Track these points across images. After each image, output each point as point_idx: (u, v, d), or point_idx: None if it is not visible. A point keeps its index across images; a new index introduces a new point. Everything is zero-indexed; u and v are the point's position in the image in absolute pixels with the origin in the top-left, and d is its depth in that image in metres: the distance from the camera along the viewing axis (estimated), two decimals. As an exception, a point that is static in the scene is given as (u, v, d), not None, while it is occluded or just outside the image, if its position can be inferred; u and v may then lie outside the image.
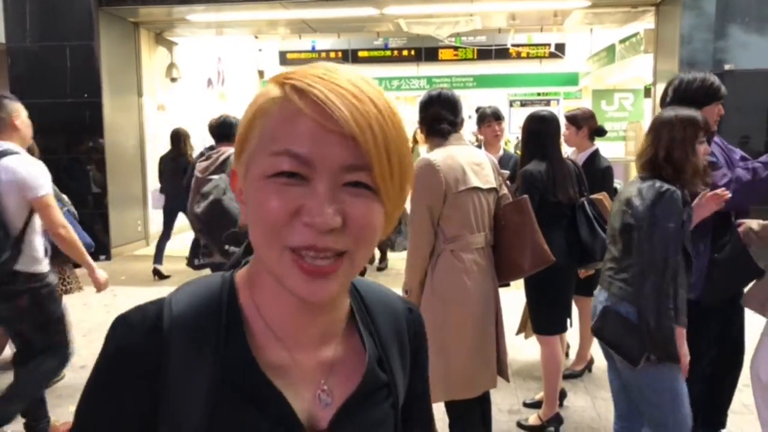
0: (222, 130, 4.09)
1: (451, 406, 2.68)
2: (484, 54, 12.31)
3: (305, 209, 0.62)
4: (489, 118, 4.27)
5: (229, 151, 3.95)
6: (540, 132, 3.23)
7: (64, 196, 3.85)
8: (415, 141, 6.33)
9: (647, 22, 7.84)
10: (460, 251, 2.53)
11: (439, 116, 2.61)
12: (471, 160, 2.58)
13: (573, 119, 3.81)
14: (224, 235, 3.57)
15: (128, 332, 0.70)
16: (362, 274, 2.80)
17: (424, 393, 0.89)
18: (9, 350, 4.16)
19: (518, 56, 12.29)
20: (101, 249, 6.98)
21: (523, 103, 13.36)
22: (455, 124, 2.64)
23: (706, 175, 2.32)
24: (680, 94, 2.74)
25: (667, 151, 2.25)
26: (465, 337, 2.51)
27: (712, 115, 2.69)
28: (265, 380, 0.69)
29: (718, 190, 2.38)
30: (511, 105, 13.71)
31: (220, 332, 0.70)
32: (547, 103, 13.04)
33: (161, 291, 4.36)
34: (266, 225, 0.64)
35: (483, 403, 2.72)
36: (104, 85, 7.32)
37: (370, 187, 0.64)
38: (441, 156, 2.52)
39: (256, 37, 10.30)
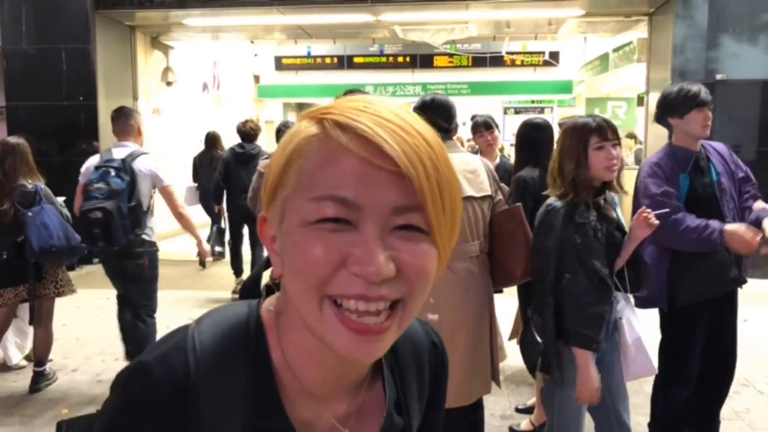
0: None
1: None
2: (479, 61, 12.39)
3: (353, 258, 0.56)
4: (480, 128, 4.30)
5: None
6: (534, 139, 3.26)
7: (58, 199, 3.86)
8: None
9: (640, 31, 7.91)
10: (454, 260, 2.50)
11: (432, 123, 2.57)
12: (464, 168, 2.56)
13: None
14: None
15: (150, 392, 0.62)
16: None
17: (438, 419, 0.84)
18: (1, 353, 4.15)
19: (513, 64, 12.38)
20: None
21: (518, 111, 13.42)
22: (449, 131, 2.62)
23: (611, 183, 2.25)
24: (663, 106, 2.79)
25: (558, 163, 2.27)
26: (458, 345, 2.51)
27: (696, 123, 2.70)
28: None
29: (646, 213, 2.26)
30: (505, 112, 13.76)
31: (250, 383, 0.64)
32: (541, 110, 13.11)
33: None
34: (308, 276, 0.57)
35: (476, 409, 2.72)
36: (100, 88, 7.32)
37: (423, 229, 0.58)
38: None
39: (252, 42, 10.33)
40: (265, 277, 0.76)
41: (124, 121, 3.71)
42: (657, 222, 2.24)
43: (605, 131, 2.19)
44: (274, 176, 0.62)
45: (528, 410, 3.52)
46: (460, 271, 2.51)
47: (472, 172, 2.57)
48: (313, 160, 0.58)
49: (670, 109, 2.75)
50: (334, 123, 0.58)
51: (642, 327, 2.33)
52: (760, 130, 6.41)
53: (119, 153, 3.61)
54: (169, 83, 9.16)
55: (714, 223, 2.57)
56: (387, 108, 0.59)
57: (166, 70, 9.11)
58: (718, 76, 6.23)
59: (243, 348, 0.65)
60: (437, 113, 2.58)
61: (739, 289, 2.82)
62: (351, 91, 2.65)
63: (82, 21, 7.17)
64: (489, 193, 2.61)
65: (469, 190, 2.53)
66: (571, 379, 2.23)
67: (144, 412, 0.62)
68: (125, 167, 3.52)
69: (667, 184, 2.67)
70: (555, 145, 2.41)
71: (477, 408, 2.73)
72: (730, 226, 2.59)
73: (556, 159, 2.30)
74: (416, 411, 0.77)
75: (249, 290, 0.76)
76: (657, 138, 6.54)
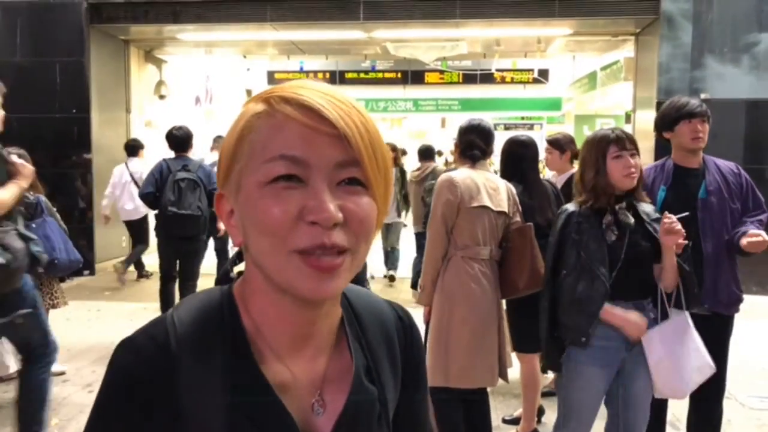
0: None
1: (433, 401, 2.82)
2: (470, 78, 12.53)
3: (308, 209, 0.63)
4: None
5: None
6: (520, 156, 3.36)
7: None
8: (395, 163, 6.45)
9: (627, 50, 8.07)
10: (469, 259, 2.84)
11: (473, 143, 2.96)
12: (488, 184, 2.92)
13: (557, 143, 3.94)
14: None
15: (136, 357, 0.68)
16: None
17: (420, 404, 0.87)
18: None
19: (503, 81, 12.52)
20: (85, 264, 6.96)
21: (507, 127, 13.57)
22: (486, 153, 3.00)
23: (633, 191, 2.33)
24: (658, 122, 2.89)
25: (580, 173, 2.40)
26: (466, 332, 2.79)
27: (684, 135, 2.76)
28: (276, 400, 0.70)
29: (668, 219, 2.27)
30: (495, 128, 13.92)
31: (227, 351, 0.69)
32: (531, 127, 13.26)
33: (145, 307, 4.41)
34: (270, 232, 0.64)
35: (483, 396, 2.99)
36: (93, 101, 7.37)
37: (362, 183, 0.67)
38: (462, 175, 2.87)
39: (245, 57, 10.41)
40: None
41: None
42: (680, 228, 2.25)
43: (623, 141, 2.32)
44: (227, 153, 0.70)
45: (514, 421, 3.56)
46: (476, 269, 2.84)
47: (494, 189, 2.93)
48: (263, 132, 0.66)
49: (662, 123, 2.82)
50: (279, 98, 0.67)
51: (682, 346, 2.29)
52: (744, 149, 6.54)
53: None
54: (162, 96, 9.21)
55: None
56: (323, 86, 0.68)
57: (159, 83, 9.17)
58: (702, 96, 6.36)
59: (218, 320, 0.71)
60: (479, 136, 2.98)
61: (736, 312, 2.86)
62: None
63: (76, 34, 7.23)
64: (505, 210, 2.95)
65: (487, 202, 2.87)
66: (572, 373, 2.33)
67: (133, 376, 0.67)
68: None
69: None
70: (540, 161, 2.51)
71: (483, 395, 2.97)
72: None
73: (578, 170, 2.44)
74: (390, 381, 0.80)
75: (222, 281, 0.80)
76: (643, 154, 6.64)
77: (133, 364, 0.68)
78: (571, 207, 2.39)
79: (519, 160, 3.36)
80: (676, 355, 2.27)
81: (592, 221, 2.31)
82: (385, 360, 0.81)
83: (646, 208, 2.38)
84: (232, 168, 0.69)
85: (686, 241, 2.32)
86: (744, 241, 2.60)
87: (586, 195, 2.35)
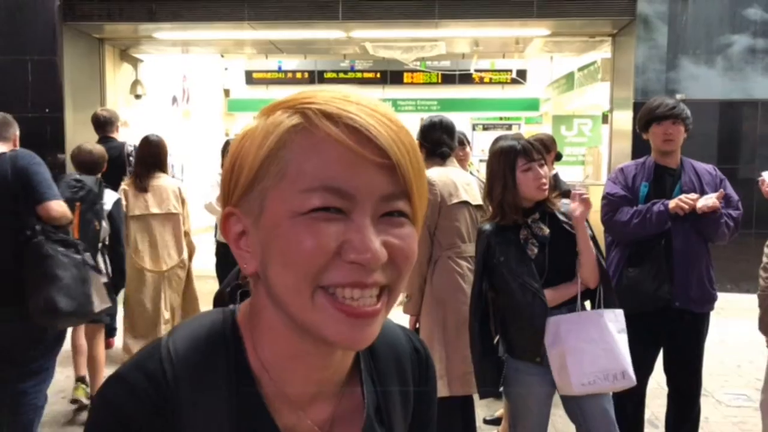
0: None
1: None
2: (449, 78, 12.57)
3: (349, 246, 0.56)
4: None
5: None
6: None
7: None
8: None
9: (604, 51, 8.14)
10: (458, 258, 2.83)
11: (441, 141, 2.95)
12: (462, 180, 2.93)
13: (543, 144, 3.95)
14: None
15: (129, 396, 0.60)
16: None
17: (430, 428, 0.81)
18: None
19: (481, 81, 12.58)
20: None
21: (486, 127, 13.62)
22: (452, 149, 3.01)
23: (545, 200, 2.31)
24: (637, 122, 2.96)
25: (488, 188, 2.35)
26: (463, 335, 2.69)
27: (656, 137, 2.82)
28: None
29: (578, 192, 2.29)
30: (474, 129, 13.94)
31: (233, 391, 0.62)
32: (509, 127, 13.31)
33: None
34: (301, 268, 0.56)
35: (471, 403, 2.96)
36: (66, 100, 7.23)
37: (406, 214, 0.59)
38: (437, 173, 2.85)
39: (222, 56, 10.31)
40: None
41: None
42: (587, 195, 2.26)
43: (530, 152, 2.25)
44: (250, 168, 0.60)
45: (495, 421, 3.57)
46: (464, 267, 2.81)
47: (468, 184, 2.95)
48: (298, 151, 0.57)
49: (639, 125, 2.91)
50: (320, 113, 0.57)
51: (586, 342, 2.21)
52: (718, 148, 6.64)
53: None
54: (138, 96, 9.08)
55: (656, 203, 2.68)
56: (366, 98, 0.60)
57: (135, 83, 9.04)
58: (678, 96, 6.43)
59: (221, 354, 0.63)
60: (445, 133, 2.96)
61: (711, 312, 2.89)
62: None
63: (49, 32, 7.09)
64: (480, 203, 2.96)
65: (465, 197, 2.87)
66: (512, 380, 2.33)
67: (126, 416, 0.60)
68: None
69: (625, 188, 2.79)
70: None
71: (471, 401, 2.98)
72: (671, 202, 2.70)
73: (486, 184, 2.37)
74: (399, 419, 0.75)
75: (225, 299, 0.74)
76: (620, 154, 6.72)
77: (126, 404, 0.60)
78: (486, 227, 2.33)
79: None
80: (576, 349, 2.18)
81: (510, 238, 2.26)
82: (397, 396, 0.75)
83: (564, 208, 2.35)
84: (254, 186, 0.59)
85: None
86: (700, 203, 2.67)
87: (494, 210, 2.32)
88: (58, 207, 2.76)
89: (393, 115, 0.60)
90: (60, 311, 2.60)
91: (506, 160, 2.26)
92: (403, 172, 0.57)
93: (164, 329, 4.01)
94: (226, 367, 0.63)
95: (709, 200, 2.67)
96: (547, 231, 2.27)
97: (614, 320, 2.28)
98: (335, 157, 0.56)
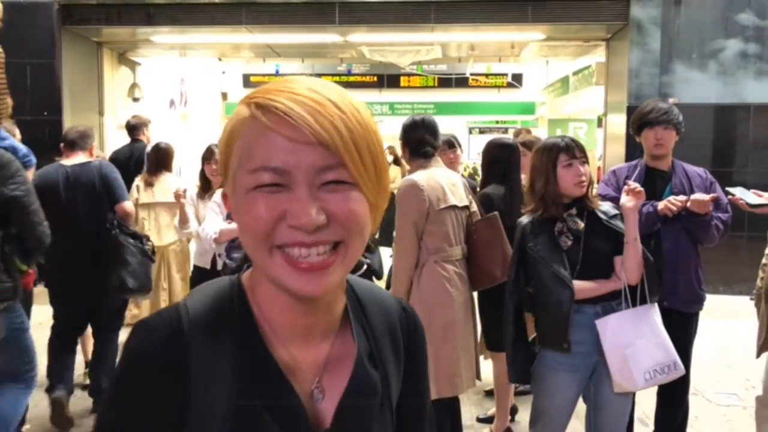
0: None
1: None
2: (445, 82, 12.63)
3: (289, 213, 0.66)
4: (443, 147, 4.45)
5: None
6: (504, 159, 3.42)
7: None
8: (396, 162, 6.53)
9: (598, 55, 8.21)
10: (443, 262, 2.82)
11: (423, 140, 2.89)
12: (449, 181, 2.89)
13: (530, 145, 4.01)
14: None
15: (151, 337, 0.72)
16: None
17: (422, 390, 0.90)
18: None
19: (477, 85, 12.64)
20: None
21: (482, 131, 13.71)
22: (436, 148, 2.95)
23: (583, 197, 2.37)
24: (630, 126, 3.02)
25: (530, 182, 2.42)
26: (450, 338, 2.77)
27: (647, 141, 2.88)
28: (281, 375, 0.73)
29: (631, 186, 2.38)
30: (470, 132, 14.03)
31: (237, 334, 0.73)
32: (505, 130, 13.40)
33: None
34: (254, 231, 0.67)
35: (456, 403, 2.98)
36: (65, 103, 7.27)
37: (347, 182, 0.68)
38: (424, 177, 2.80)
39: (220, 59, 10.36)
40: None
41: None
42: (640, 188, 2.36)
43: (573, 150, 2.34)
44: (222, 157, 0.73)
45: (488, 420, 3.61)
46: (450, 272, 2.82)
47: (453, 185, 2.92)
48: (247, 139, 0.68)
49: (632, 128, 2.97)
50: (255, 105, 0.68)
51: (641, 337, 2.27)
52: (712, 152, 6.70)
53: None
54: (135, 99, 9.13)
55: (645, 205, 2.72)
56: (304, 85, 0.68)
57: (133, 86, 9.09)
58: (671, 100, 6.49)
59: (228, 307, 0.75)
60: (427, 131, 2.92)
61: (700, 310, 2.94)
62: None
63: (47, 36, 7.13)
64: (467, 203, 2.96)
65: (452, 200, 2.85)
66: (541, 377, 2.39)
67: (147, 355, 0.71)
68: None
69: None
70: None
71: (458, 402, 3.01)
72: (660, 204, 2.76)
73: (529, 178, 2.45)
74: (393, 368, 0.83)
75: (235, 271, 0.86)
76: (614, 157, 6.78)
77: (147, 345, 0.72)
78: (524, 219, 2.42)
79: (503, 163, 3.42)
80: (633, 345, 2.26)
81: (545, 229, 2.35)
82: (389, 347, 0.83)
83: (604, 207, 2.42)
84: (228, 170, 0.72)
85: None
86: (690, 201, 2.73)
87: (536, 204, 2.39)
88: (129, 207, 3.61)
89: (325, 95, 0.67)
90: (128, 289, 3.35)
91: (549, 156, 2.35)
92: (332, 147, 0.66)
93: (162, 295, 4.74)
94: (231, 315, 0.74)
95: (701, 197, 2.72)
96: (581, 225, 2.34)
97: (657, 313, 2.37)
98: (271, 142, 0.66)
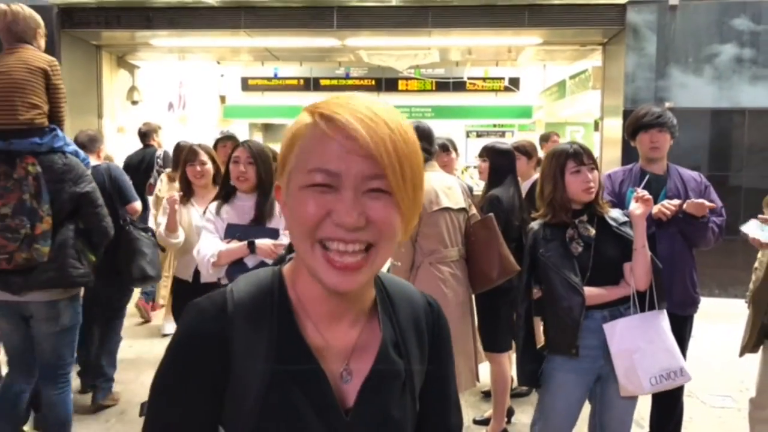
0: None
1: None
2: (442, 86, 12.66)
3: (335, 212, 0.76)
4: (437, 150, 4.52)
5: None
6: (508, 163, 3.51)
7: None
8: None
9: (595, 60, 8.25)
10: (438, 263, 2.87)
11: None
12: (443, 184, 2.95)
13: (524, 150, 4.06)
14: None
15: (200, 317, 0.83)
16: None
17: (446, 379, 0.98)
18: None
19: (475, 89, 12.68)
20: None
21: (480, 134, 13.74)
22: (431, 153, 3.02)
23: (592, 203, 2.39)
24: (625, 130, 3.05)
25: (540, 187, 2.45)
26: None
27: (643, 144, 2.91)
28: (311, 356, 0.82)
29: (640, 193, 2.40)
30: (467, 135, 14.06)
31: (273, 315, 0.83)
32: (502, 134, 13.43)
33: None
34: (303, 224, 0.78)
35: None
36: (65, 106, 7.29)
37: (387, 191, 0.77)
38: None
39: (219, 63, 10.39)
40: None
41: None
42: (649, 196, 2.39)
43: (582, 156, 2.36)
44: (284, 153, 0.83)
45: (485, 422, 3.64)
46: (445, 273, 2.87)
47: (449, 188, 2.98)
48: (307, 142, 0.79)
49: (627, 132, 3.00)
50: (321, 116, 0.78)
51: (649, 342, 2.29)
52: (709, 156, 6.74)
53: None
54: (134, 102, 9.15)
55: None
56: (363, 103, 0.78)
57: (132, 89, 9.11)
58: (667, 104, 6.54)
59: (268, 293, 0.85)
60: (421, 138, 2.85)
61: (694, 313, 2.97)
62: None
63: (47, 39, 7.15)
64: (464, 206, 3.01)
65: (446, 202, 2.91)
66: (548, 378, 2.41)
67: (195, 331, 0.83)
68: None
69: (612, 194, 2.88)
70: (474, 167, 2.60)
71: None
72: None
73: (539, 184, 2.48)
74: (416, 355, 0.91)
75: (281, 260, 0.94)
76: (611, 161, 6.82)
77: (195, 322, 0.83)
78: (535, 225, 2.45)
79: (508, 166, 3.52)
80: (640, 350, 2.29)
81: (556, 235, 2.38)
82: (413, 337, 0.92)
83: (614, 213, 2.45)
84: (286, 166, 0.82)
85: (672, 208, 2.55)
86: (687, 204, 2.77)
87: (545, 209, 2.43)
88: (138, 207, 3.96)
89: (379, 114, 0.77)
90: (149, 277, 3.61)
91: (557, 162, 2.38)
92: (378, 159, 0.75)
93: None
94: (270, 300, 0.85)
95: (699, 201, 2.76)
96: (593, 232, 2.36)
97: (666, 320, 2.40)
98: (328, 147, 0.77)
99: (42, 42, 3.00)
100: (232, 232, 2.75)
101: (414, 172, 0.79)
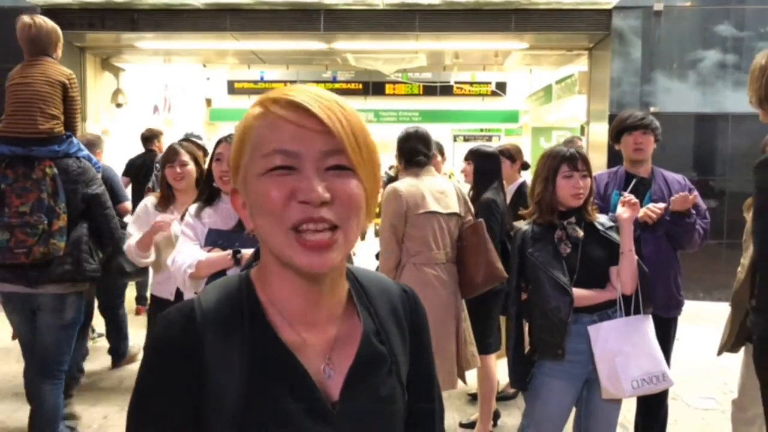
0: None
1: None
2: (430, 90, 12.69)
3: (299, 190, 0.75)
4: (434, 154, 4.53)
5: None
6: (495, 167, 3.53)
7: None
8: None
9: (581, 65, 8.30)
10: (422, 265, 2.91)
11: (417, 150, 3.04)
12: (435, 189, 2.99)
13: (508, 153, 4.07)
14: None
15: (169, 327, 0.81)
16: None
17: (428, 368, 0.97)
18: None
19: (462, 93, 12.72)
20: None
21: (467, 138, 13.78)
22: (429, 157, 3.09)
23: (581, 208, 2.39)
24: (609, 134, 3.07)
25: (532, 186, 2.48)
26: None
27: (627, 147, 2.94)
28: (289, 354, 0.80)
29: (626, 198, 2.43)
30: (455, 140, 14.10)
31: (245, 320, 0.81)
32: (489, 138, 13.49)
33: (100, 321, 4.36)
34: (269, 211, 0.76)
35: None
36: (47, 108, 7.21)
37: (348, 167, 0.77)
38: (405, 184, 2.95)
39: (204, 66, 10.34)
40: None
41: None
42: (636, 200, 2.41)
43: (576, 162, 2.37)
44: (234, 153, 0.82)
45: (470, 425, 3.63)
46: (429, 275, 2.90)
47: (441, 193, 3.02)
48: (260, 130, 0.79)
49: (611, 136, 3.01)
50: (271, 100, 0.79)
51: (632, 346, 2.29)
52: (694, 160, 6.81)
53: None
54: (119, 105, 9.08)
55: None
56: (309, 88, 0.80)
57: (117, 92, 9.04)
58: (652, 109, 6.60)
59: (237, 298, 0.83)
60: (420, 142, 3.07)
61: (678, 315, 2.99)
62: None
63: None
64: (456, 211, 3.03)
65: (434, 207, 2.94)
66: (537, 385, 2.39)
67: (165, 343, 0.80)
68: None
69: (597, 196, 2.90)
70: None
71: None
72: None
73: (532, 182, 2.51)
74: (398, 343, 0.90)
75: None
76: (596, 165, 6.84)
77: (165, 334, 0.81)
78: (524, 225, 2.45)
79: (495, 171, 3.54)
80: (622, 352, 2.29)
81: (545, 236, 2.38)
82: (393, 326, 0.91)
83: (601, 219, 2.46)
84: (239, 165, 0.81)
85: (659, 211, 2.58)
86: (672, 200, 2.81)
87: (533, 207, 2.44)
88: (128, 206, 4.18)
89: (328, 94, 0.79)
90: (126, 273, 3.54)
91: (551, 164, 2.39)
92: (335, 133, 0.76)
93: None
94: (240, 305, 0.82)
95: (682, 194, 2.79)
96: (581, 233, 2.37)
97: (651, 325, 2.40)
98: (284, 129, 0.77)
99: (60, 53, 3.17)
100: (213, 238, 2.39)
101: (369, 148, 0.79)
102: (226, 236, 2.37)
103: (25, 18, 3.06)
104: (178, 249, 2.42)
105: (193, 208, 2.51)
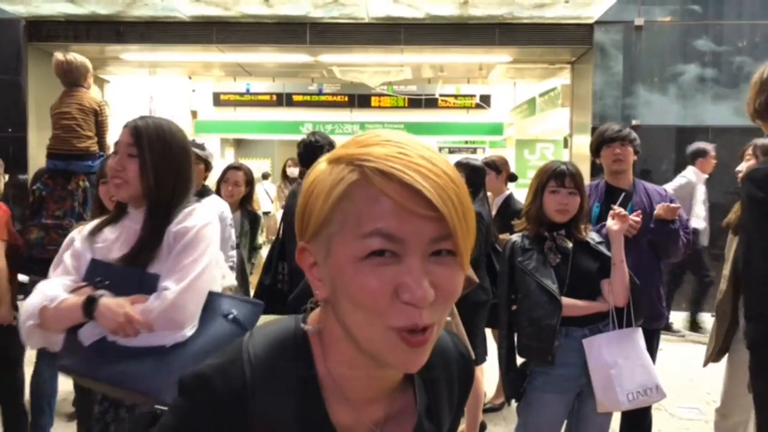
0: None
1: None
2: (415, 102, 12.77)
3: (403, 287, 0.64)
4: None
5: None
6: (481, 179, 3.56)
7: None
8: None
9: (564, 78, 8.42)
10: None
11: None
12: None
13: (494, 165, 4.11)
14: None
15: (213, 399, 0.71)
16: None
17: (454, 428, 0.91)
18: None
19: (446, 106, 12.81)
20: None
21: (452, 150, 13.85)
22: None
23: (569, 224, 2.42)
24: (590, 147, 3.11)
25: (526, 198, 2.54)
26: None
27: (606, 159, 3.00)
28: None
29: (616, 210, 2.47)
30: (439, 151, 14.15)
31: (300, 393, 0.73)
32: (474, 151, 13.57)
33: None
34: (369, 307, 0.66)
35: None
36: (30, 120, 7.16)
37: (452, 252, 0.68)
38: None
39: (190, 78, 10.34)
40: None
41: None
42: (625, 212, 2.46)
43: (563, 178, 2.38)
44: (319, 214, 0.70)
45: (458, 437, 3.64)
46: None
47: None
48: (357, 203, 0.66)
49: (592, 150, 3.06)
50: (375, 170, 0.66)
51: (626, 359, 2.31)
52: (675, 172, 6.90)
53: None
54: (103, 117, 9.04)
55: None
56: (417, 152, 0.67)
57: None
58: (634, 122, 6.69)
59: (291, 359, 0.74)
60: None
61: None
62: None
63: (13, 52, 7.04)
64: None
65: None
66: (529, 398, 2.40)
67: (205, 417, 0.71)
68: None
69: None
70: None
71: None
72: None
73: (527, 194, 2.54)
74: (446, 418, 0.85)
75: (295, 306, 0.84)
76: (580, 178, 6.93)
77: (207, 407, 0.72)
78: (515, 237, 2.49)
79: (482, 183, 3.56)
80: (617, 365, 2.30)
81: (535, 246, 2.42)
82: (445, 398, 0.85)
83: (592, 235, 2.50)
84: (323, 230, 0.69)
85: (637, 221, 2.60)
86: (657, 208, 2.86)
87: (525, 219, 2.49)
88: None
89: (439, 165, 0.67)
90: None
91: (541, 178, 2.43)
92: (449, 219, 0.66)
93: None
94: (295, 373, 0.74)
95: (667, 204, 2.86)
96: (570, 244, 2.40)
97: (641, 337, 2.41)
98: (388, 208, 0.65)
99: (90, 81, 3.82)
100: (93, 273, 1.73)
101: (472, 226, 0.70)
102: (109, 271, 1.71)
103: (59, 55, 3.65)
104: (39, 286, 1.76)
105: (88, 227, 1.85)
